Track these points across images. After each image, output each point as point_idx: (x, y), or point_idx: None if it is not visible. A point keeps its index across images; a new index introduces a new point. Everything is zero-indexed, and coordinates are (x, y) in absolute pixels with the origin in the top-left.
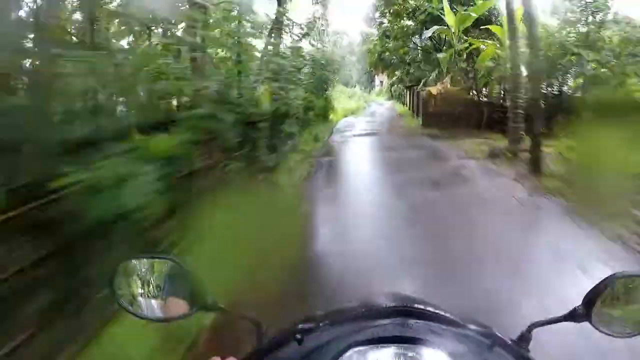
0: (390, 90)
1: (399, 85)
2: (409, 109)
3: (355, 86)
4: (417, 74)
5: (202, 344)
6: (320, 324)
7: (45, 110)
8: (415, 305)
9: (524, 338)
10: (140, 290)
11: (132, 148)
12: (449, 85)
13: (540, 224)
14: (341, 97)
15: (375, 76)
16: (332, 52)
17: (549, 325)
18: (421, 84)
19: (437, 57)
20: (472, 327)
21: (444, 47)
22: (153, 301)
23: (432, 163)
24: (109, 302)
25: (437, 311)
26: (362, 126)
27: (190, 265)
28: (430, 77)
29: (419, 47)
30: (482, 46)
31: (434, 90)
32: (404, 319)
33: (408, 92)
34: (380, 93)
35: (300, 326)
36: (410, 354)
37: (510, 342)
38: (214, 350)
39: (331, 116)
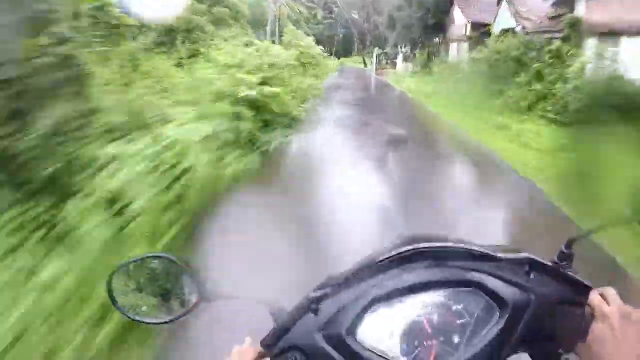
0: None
1: None
2: None
3: None
4: None
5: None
6: (334, 288)
7: None
8: (436, 244)
9: (565, 256)
10: (137, 294)
11: None
12: None
13: None
14: None
15: None
16: None
17: None
18: None
19: None
20: (504, 255)
21: None
22: (152, 303)
23: None
24: None
25: (461, 246)
26: None
27: (184, 259)
28: None
29: None
30: None
31: None
32: (426, 262)
33: None
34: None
35: (313, 295)
36: (440, 300)
37: (548, 264)
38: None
39: None
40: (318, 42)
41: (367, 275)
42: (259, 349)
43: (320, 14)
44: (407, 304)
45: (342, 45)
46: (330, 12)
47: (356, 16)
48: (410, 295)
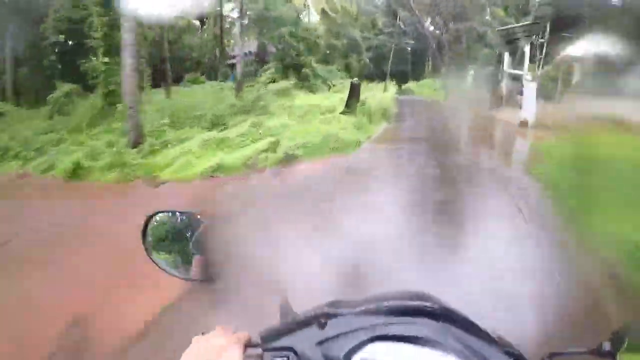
0: None
1: None
2: None
3: None
4: None
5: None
6: (347, 312)
7: None
8: (445, 309)
9: None
10: (167, 246)
11: None
12: None
13: None
14: None
15: None
16: None
17: None
18: None
19: None
20: (498, 341)
21: None
22: (179, 258)
23: None
24: None
25: (465, 319)
26: None
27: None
28: None
29: None
30: None
31: None
32: (432, 321)
33: None
34: None
35: (325, 310)
36: (430, 357)
37: None
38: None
39: None
40: (373, 59)
41: (378, 312)
42: (243, 336)
43: (381, 20)
44: (401, 351)
45: (411, 64)
46: (395, 17)
47: (430, 26)
48: (406, 344)
